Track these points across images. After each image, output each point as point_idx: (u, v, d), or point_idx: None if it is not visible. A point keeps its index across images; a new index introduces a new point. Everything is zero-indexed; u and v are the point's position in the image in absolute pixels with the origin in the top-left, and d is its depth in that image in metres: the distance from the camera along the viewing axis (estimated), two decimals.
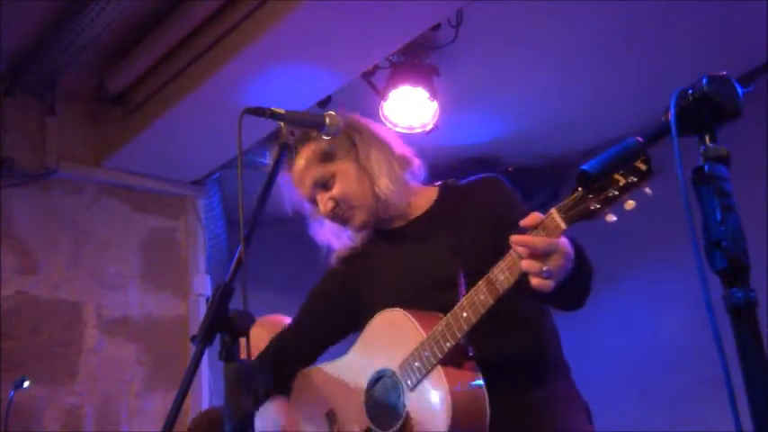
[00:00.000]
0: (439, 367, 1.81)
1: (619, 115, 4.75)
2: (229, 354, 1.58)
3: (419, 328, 1.87)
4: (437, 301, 1.91)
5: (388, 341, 1.95)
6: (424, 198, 2.11)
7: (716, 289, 1.12)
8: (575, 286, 1.74)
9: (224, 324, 1.58)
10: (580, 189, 1.54)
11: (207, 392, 4.72)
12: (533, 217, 1.64)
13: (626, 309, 5.47)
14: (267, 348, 2.27)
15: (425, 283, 1.96)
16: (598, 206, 1.52)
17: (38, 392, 4.22)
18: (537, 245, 1.61)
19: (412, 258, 2.03)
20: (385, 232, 2.13)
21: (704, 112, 1.19)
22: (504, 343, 1.91)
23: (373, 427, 1.95)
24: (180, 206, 5.01)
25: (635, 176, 1.46)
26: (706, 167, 1.16)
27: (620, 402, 5.04)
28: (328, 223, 2.16)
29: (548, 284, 1.62)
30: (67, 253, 4.55)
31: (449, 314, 1.81)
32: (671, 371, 5.04)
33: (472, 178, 2.10)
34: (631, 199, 1.51)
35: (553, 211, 1.60)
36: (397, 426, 1.88)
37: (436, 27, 3.90)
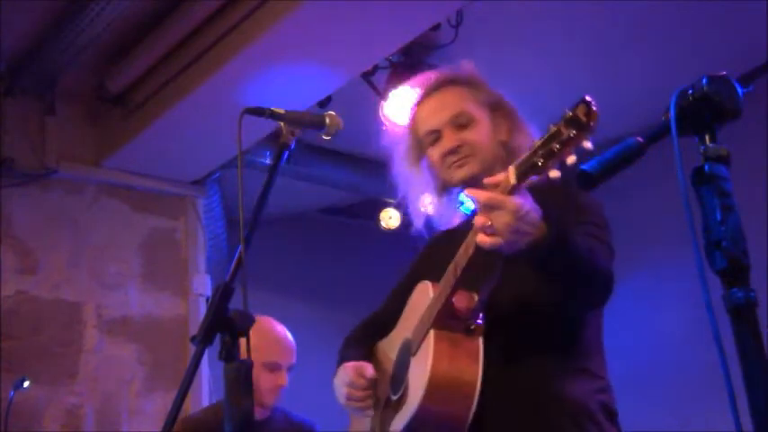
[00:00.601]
0: (431, 332, 1.81)
1: (619, 115, 4.75)
2: (229, 354, 1.58)
3: (431, 293, 1.89)
4: None
5: (414, 310, 1.99)
6: None
7: (716, 289, 1.12)
8: (556, 260, 1.67)
9: (224, 324, 1.58)
10: (534, 143, 1.54)
11: (207, 392, 4.71)
12: (494, 177, 1.64)
13: (626, 309, 5.46)
14: (357, 327, 2.30)
15: None
16: (542, 161, 1.51)
17: (38, 392, 4.22)
18: (478, 197, 1.60)
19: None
20: (468, 217, 2.10)
21: (704, 112, 1.19)
22: (514, 302, 1.84)
23: (390, 392, 2.00)
24: (180, 206, 5.01)
25: (575, 129, 1.46)
26: (706, 167, 1.16)
27: (620, 402, 5.03)
28: (436, 200, 2.13)
29: (489, 241, 1.60)
30: (67, 253, 4.55)
31: (443, 277, 1.82)
32: (671, 371, 5.04)
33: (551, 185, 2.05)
34: (573, 154, 1.49)
35: (510, 167, 1.60)
36: (401, 391, 1.92)
37: (436, 27, 3.90)
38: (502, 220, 1.58)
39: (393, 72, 4.24)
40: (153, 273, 4.81)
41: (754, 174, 4.50)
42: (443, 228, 2.19)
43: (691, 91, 1.20)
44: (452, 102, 2.04)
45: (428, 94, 2.10)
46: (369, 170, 5.52)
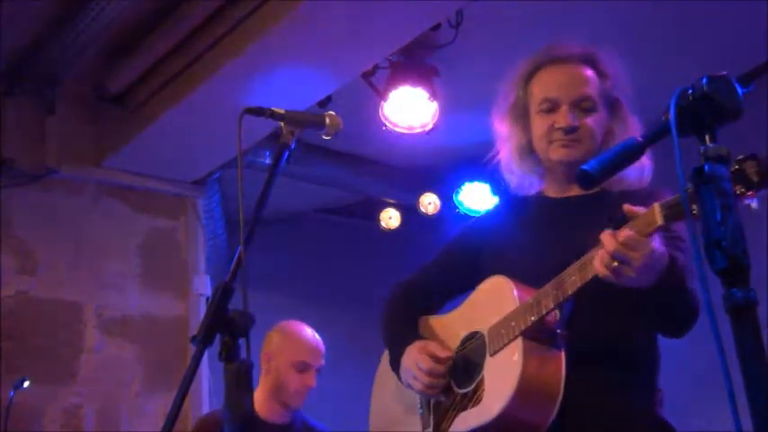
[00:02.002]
0: (520, 339, 1.78)
1: None
2: (229, 354, 1.58)
3: (516, 296, 1.85)
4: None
5: (487, 305, 1.95)
6: None
7: (716, 289, 1.12)
8: (667, 299, 1.69)
9: (224, 324, 1.58)
10: (689, 188, 1.50)
11: (207, 392, 4.71)
12: (635, 209, 1.61)
13: None
14: (400, 292, 2.23)
15: (546, 261, 1.89)
16: (696, 210, 1.48)
17: (38, 392, 4.21)
18: (621, 236, 1.57)
19: (547, 235, 1.97)
20: (540, 197, 2.08)
21: (704, 112, 1.19)
22: (606, 337, 1.84)
23: (452, 381, 1.97)
24: (180, 206, 5.01)
25: (744, 185, 1.37)
26: (706, 167, 1.16)
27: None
28: (517, 163, 2.07)
29: (603, 271, 1.59)
30: (67, 253, 4.55)
31: (541, 289, 1.78)
32: (671, 371, 5.02)
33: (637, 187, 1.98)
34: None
35: (656, 204, 1.56)
36: (471, 387, 1.89)
37: (436, 27, 3.90)
38: (634, 263, 1.57)
39: (393, 72, 4.24)
40: (153, 273, 4.81)
41: None
42: (516, 193, 2.12)
43: (691, 91, 1.20)
44: (584, 82, 1.99)
45: (561, 61, 2.03)
46: (369, 170, 5.52)
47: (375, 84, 4.33)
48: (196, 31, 3.96)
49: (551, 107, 1.98)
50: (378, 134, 4.54)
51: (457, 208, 5.51)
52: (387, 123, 4.33)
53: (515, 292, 1.86)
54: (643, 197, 1.82)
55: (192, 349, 1.62)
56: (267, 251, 4.73)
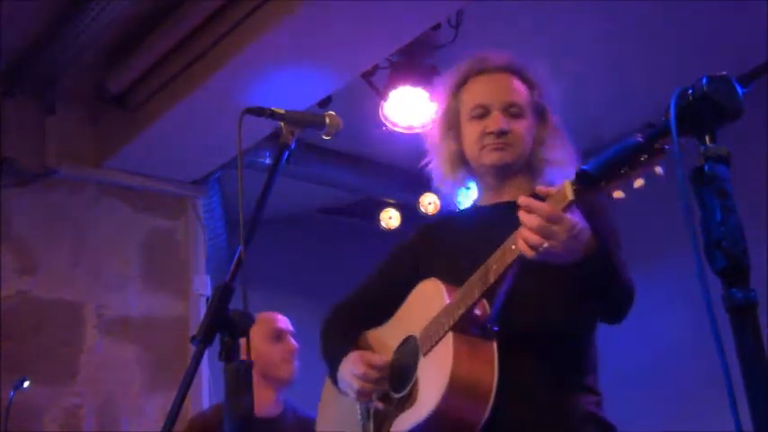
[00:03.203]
0: (450, 335, 1.79)
1: (618, 115, 4.75)
2: (229, 354, 1.58)
3: (445, 295, 1.87)
4: None
5: (419, 309, 1.96)
6: (522, 187, 2.03)
7: (716, 289, 1.12)
8: (599, 277, 1.70)
9: (224, 324, 1.59)
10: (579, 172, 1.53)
11: (207, 392, 4.71)
12: (548, 188, 1.65)
13: None
14: (339, 310, 2.24)
15: (479, 264, 1.89)
16: (604, 182, 1.52)
17: (38, 392, 4.21)
18: (538, 208, 1.60)
19: (479, 240, 1.95)
20: (473, 207, 2.12)
21: (704, 112, 1.19)
22: (538, 327, 1.85)
23: (389, 388, 1.97)
24: (180, 206, 5.01)
25: (646, 154, 1.45)
26: (706, 167, 1.15)
27: (621, 402, 5.03)
28: (450, 173, 2.10)
29: (528, 251, 1.61)
30: (67, 253, 4.55)
31: (465, 282, 1.80)
32: (671, 371, 5.04)
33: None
34: (641, 177, 1.50)
35: (566, 181, 1.60)
36: (406, 390, 1.90)
37: (436, 27, 3.90)
38: (558, 237, 1.59)
39: (393, 72, 4.24)
40: (153, 273, 4.81)
41: (754, 174, 4.49)
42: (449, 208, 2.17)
43: (691, 91, 1.20)
44: (511, 89, 2.04)
45: (489, 70, 2.08)
46: (369, 170, 5.52)
47: (375, 84, 4.33)
48: (196, 31, 3.96)
49: (482, 113, 2.02)
50: (378, 134, 4.54)
51: (457, 208, 5.50)
52: (387, 123, 4.33)
53: (444, 292, 1.88)
54: None
55: (192, 349, 1.62)
56: (267, 251, 4.73)
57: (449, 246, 2.05)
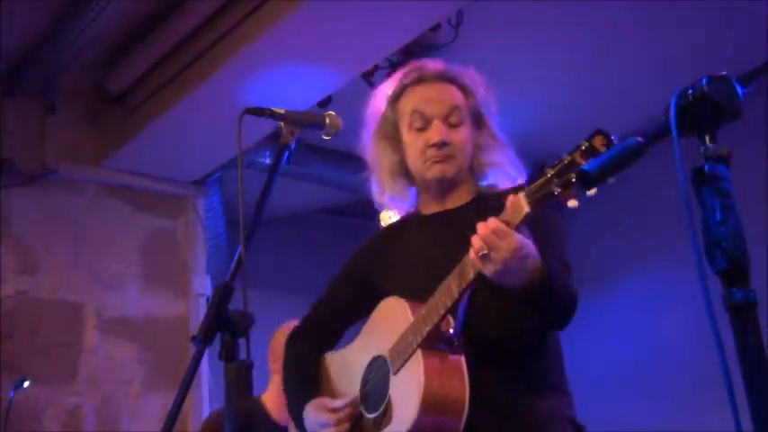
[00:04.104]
0: (419, 352, 1.80)
1: (619, 115, 4.75)
2: (229, 354, 1.58)
3: (409, 313, 1.88)
4: None
5: (384, 328, 1.96)
6: (465, 193, 2.06)
7: (716, 289, 1.12)
8: (543, 298, 1.73)
9: (224, 324, 1.59)
10: (546, 171, 1.55)
11: (207, 392, 4.72)
12: (509, 199, 1.65)
13: (626, 309, 5.47)
14: (299, 330, 2.25)
15: (435, 275, 1.91)
16: (560, 189, 1.53)
17: (38, 392, 4.22)
18: (487, 225, 1.62)
19: (431, 250, 1.99)
20: (417, 216, 2.10)
21: (704, 112, 1.19)
22: (500, 337, 1.87)
23: (363, 409, 1.97)
24: (180, 206, 5.01)
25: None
26: (706, 167, 1.15)
27: (621, 402, 5.04)
28: (390, 182, 2.09)
29: (476, 261, 1.64)
30: (67, 253, 4.56)
31: (430, 299, 1.81)
32: (671, 371, 5.04)
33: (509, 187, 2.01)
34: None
35: (521, 193, 1.61)
36: (380, 410, 1.90)
37: (436, 27, 3.90)
38: (501, 255, 1.63)
39: (393, 72, 4.23)
40: (153, 273, 4.81)
41: (754, 174, 4.50)
42: (393, 218, 2.17)
43: (691, 91, 1.20)
44: (450, 98, 2.03)
45: (426, 79, 2.07)
46: (369, 170, 5.51)
47: (375, 84, 4.33)
48: (196, 31, 3.96)
49: (423, 125, 2.01)
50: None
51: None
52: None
53: (408, 310, 1.88)
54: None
55: (192, 349, 1.62)
56: (267, 251, 4.73)
57: (402, 257, 2.06)
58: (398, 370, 1.86)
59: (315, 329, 2.22)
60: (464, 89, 2.07)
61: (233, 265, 1.66)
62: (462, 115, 2.02)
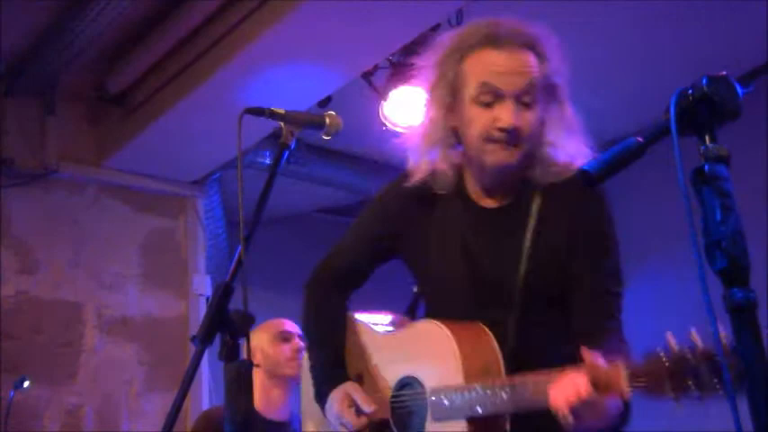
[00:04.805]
0: (464, 423, 1.72)
1: (619, 115, 4.75)
2: (229, 354, 1.58)
3: (460, 367, 1.74)
4: (485, 311, 1.81)
5: (424, 350, 1.86)
6: (518, 178, 1.82)
7: (716, 289, 1.12)
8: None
9: (224, 324, 1.58)
10: (663, 360, 1.42)
11: (207, 392, 4.71)
12: (598, 369, 1.51)
13: (626, 309, 5.46)
14: (324, 272, 2.14)
15: (481, 284, 1.83)
16: (672, 394, 1.45)
17: (38, 392, 4.22)
18: (582, 393, 1.51)
19: (478, 252, 1.85)
20: (462, 196, 1.88)
21: (704, 112, 1.19)
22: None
23: (392, 423, 1.93)
24: (180, 206, 5.01)
25: (720, 380, 1.34)
26: (706, 167, 1.15)
27: None
28: (439, 154, 1.84)
29: (567, 419, 1.54)
30: (67, 253, 4.55)
31: (495, 384, 1.68)
32: None
33: (574, 183, 1.74)
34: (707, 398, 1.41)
35: (623, 370, 1.49)
36: None
37: (436, 27, 3.90)
38: (585, 420, 1.53)
39: (393, 72, 4.24)
40: (153, 273, 4.81)
41: (754, 174, 4.49)
42: (435, 189, 1.89)
43: (691, 91, 1.20)
44: (528, 70, 1.76)
45: (502, 43, 1.78)
46: (369, 170, 5.51)
47: (375, 84, 4.33)
48: (196, 30, 3.96)
49: (492, 99, 1.75)
50: (378, 134, 4.54)
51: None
52: (387, 123, 4.32)
53: (461, 364, 1.74)
54: (569, 188, 1.75)
55: (192, 349, 1.62)
56: (268, 251, 4.72)
57: (440, 244, 1.89)
58: (439, 420, 1.77)
59: (341, 280, 2.11)
60: (540, 56, 1.81)
61: (233, 265, 1.66)
62: (536, 93, 1.76)
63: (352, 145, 5.20)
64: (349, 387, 1.96)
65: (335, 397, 1.96)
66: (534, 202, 1.82)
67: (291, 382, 3.19)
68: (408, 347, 1.93)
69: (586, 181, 1.38)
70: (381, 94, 4.28)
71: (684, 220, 1.11)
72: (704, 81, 1.19)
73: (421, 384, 1.86)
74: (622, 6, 4.03)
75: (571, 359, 1.61)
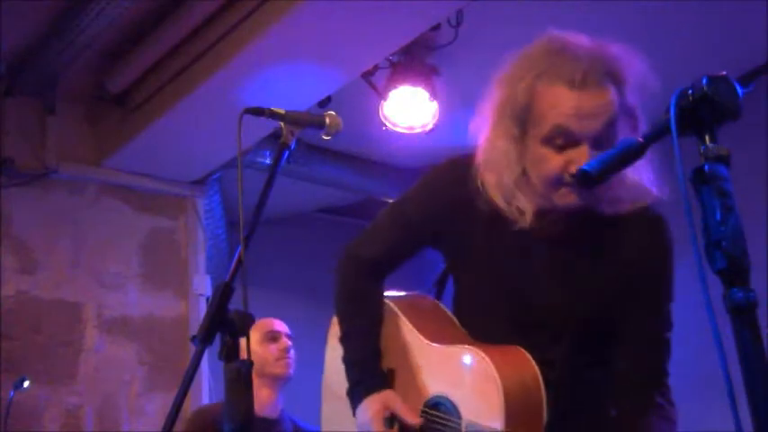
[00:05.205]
0: None
1: None
2: (229, 354, 1.58)
3: (503, 408, 1.68)
4: (531, 339, 1.76)
5: (467, 381, 1.80)
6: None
7: (716, 289, 1.12)
8: None
9: (224, 324, 1.58)
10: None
11: (207, 392, 4.72)
12: None
13: None
14: (361, 258, 2.06)
15: (528, 313, 1.78)
16: None
17: (38, 392, 4.22)
18: None
19: (527, 272, 1.78)
20: (532, 239, 1.77)
21: (704, 112, 1.19)
22: None
23: None
24: (180, 206, 5.01)
25: None
26: (706, 167, 1.15)
27: None
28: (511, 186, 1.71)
29: None
30: (67, 253, 4.55)
31: None
32: (671, 371, 5.03)
33: (643, 216, 1.72)
34: None
35: None
36: None
37: (436, 27, 3.90)
38: None
39: (393, 72, 4.24)
40: (153, 273, 4.81)
41: (754, 174, 4.49)
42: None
43: (691, 91, 1.20)
44: (608, 110, 1.63)
45: (584, 83, 1.62)
46: (369, 170, 5.52)
47: (375, 84, 4.33)
48: (196, 30, 3.96)
49: (565, 143, 1.63)
50: (378, 134, 4.54)
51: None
52: (387, 123, 4.33)
53: (503, 404, 1.67)
54: (641, 225, 1.71)
55: (192, 349, 1.62)
56: (267, 251, 4.73)
57: (505, 268, 1.81)
58: None
59: (376, 265, 2.03)
60: (620, 84, 1.67)
61: (233, 264, 1.66)
62: (616, 133, 1.64)
63: (352, 145, 5.20)
64: (389, 398, 1.88)
65: (372, 406, 1.88)
66: (599, 233, 1.76)
67: (280, 381, 3.23)
68: (450, 367, 1.85)
69: (585, 181, 1.38)
70: (381, 94, 4.28)
71: (684, 220, 1.11)
72: (704, 81, 1.19)
73: (457, 410, 1.79)
74: (621, 6, 4.03)
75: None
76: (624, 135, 1.62)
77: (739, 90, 1.19)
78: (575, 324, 1.77)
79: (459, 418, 1.77)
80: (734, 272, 1.11)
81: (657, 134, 1.27)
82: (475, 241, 1.83)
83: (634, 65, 1.70)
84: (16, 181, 4.42)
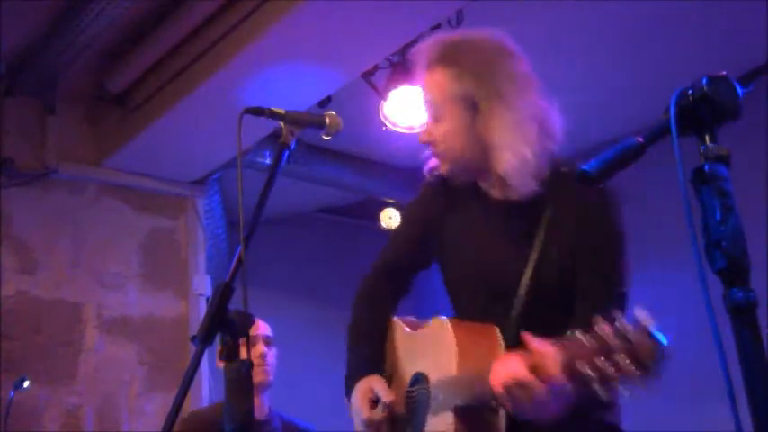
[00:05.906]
0: (451, 414, 1.76)
1: (619, 115, 4.75)
2: (229, 354, 1.58)
3: (455, 363, 1.78)
4: (492, 306, 1.87)
5: (431, 349, 1.91)
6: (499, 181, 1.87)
7: (716, 289, 1.12)
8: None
9: (224, 324, 1.59)
10: (583, 341, 1.42)
11: (207, 392, 4.71)
12: (535, 354, 1.52)
13: (626, 309, 5.46)
14: (371, 284, 2.16)
15: (491, 277, 1.89)
16: (597, 384, 1.41)
17: (38, 392, 4.22)
18: (515, 373, 1.55)
19: (492, 243, 1.91)
20: (483, 196, 1.96)
21: (704, 112, 1.19)
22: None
23: (406, 418, 1.96)
24: (180, 206, 5.01)
25: (637, 366, 1.40)
26: (706, 167, 1.16)
27: (621, 402, 5.03)
28: None
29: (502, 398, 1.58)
30: (67, 253, 4.55)
31: (483, 379, 1.66)
32: (671, 371, 5.02)
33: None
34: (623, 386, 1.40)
35: (560, 358, 1.49)
36: None
37: (436, 27, 3.90)
38: (523, 398, 1.54)
39: (393, 72, 4.24)
40: (153, 273, 4.81)
41: (754, 174, 4.50)
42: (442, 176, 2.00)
43: (691, 91, 1.20)
44: (432, 89, 1.97)
45: (425, 66, 2.00)
46: (369, 170, 5.52)
47: (375, 84, 4.33)
48: (196, 30, 3.96)
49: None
50: (378, 134, 4.54)
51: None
52: (387, 123, 4.33)
53: (456, 359, 1.77)
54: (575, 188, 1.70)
55: (192, 349, 1.62)
56: (268, 251, 4.73)
57: (456, 236, 1.98)
58: (435, 413, 1.82)
59: (392, 272, 2.13)
60: (457, 63, 1.93)
61: (233, 264, 1.66)
62: (443, 106, 1.93)
63: (352, 145, 5.20)
64: (372, 381, 1.99)
65: (358, 391, 1.99)
66: (543, 203, 1.87)
67: (260, 387, 3.17)
68: (422, 345, 1.99)
69: (585, 181, 1.38)
70: (381, 94, 4.28)
71: (684, 220, 1.11)
72: (704, 81, 1.19)
73: (427, 379, 1.91)
74: (621, 6, 4.03)
75: None
76: (465, 123, 1.87)
77: (739, 90, 1.19)
78: (528, 293, 1.83)
79: (428, 383, 1.89)
80: (734, 272, 1.11)
81: (657, 134, 1.27)
82: (448, 224, 2.00)
83: (475, 46, 2.01)
84: (16, 181, 4.42)
